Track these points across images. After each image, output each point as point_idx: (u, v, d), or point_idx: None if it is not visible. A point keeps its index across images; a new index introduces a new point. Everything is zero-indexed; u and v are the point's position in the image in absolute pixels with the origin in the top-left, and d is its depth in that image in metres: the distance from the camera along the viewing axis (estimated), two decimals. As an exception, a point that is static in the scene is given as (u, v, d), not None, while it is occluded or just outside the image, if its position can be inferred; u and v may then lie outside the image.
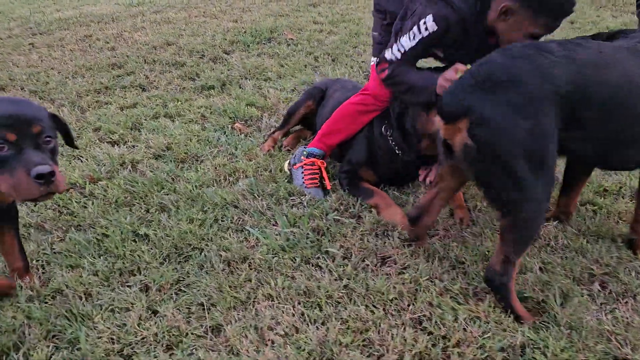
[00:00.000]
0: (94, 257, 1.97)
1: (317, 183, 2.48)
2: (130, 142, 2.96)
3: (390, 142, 2.41)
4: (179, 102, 3.52)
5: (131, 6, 6.95)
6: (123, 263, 1.93)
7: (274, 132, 2.97)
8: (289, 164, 2.60)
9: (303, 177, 2.49)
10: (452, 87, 1.58)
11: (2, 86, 3.85)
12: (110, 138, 3.01)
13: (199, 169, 2.63)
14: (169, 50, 4.66)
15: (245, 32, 5.25)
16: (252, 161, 2.69)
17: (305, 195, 2.37)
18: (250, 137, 3.03)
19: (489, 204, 1.61)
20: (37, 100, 3.59)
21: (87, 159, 2.75)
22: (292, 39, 5.06)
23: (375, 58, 2.47)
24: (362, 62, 4.34)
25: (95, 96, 3.65)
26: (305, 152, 2.56)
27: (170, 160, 2.74)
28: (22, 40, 5.21)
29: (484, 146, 1.47)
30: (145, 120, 3.23)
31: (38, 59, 4.50)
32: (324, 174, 2.53)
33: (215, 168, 2.65)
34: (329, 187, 2.48)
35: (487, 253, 1.96)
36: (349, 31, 5.28)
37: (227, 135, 3.02)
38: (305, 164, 2.51)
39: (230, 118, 3.26)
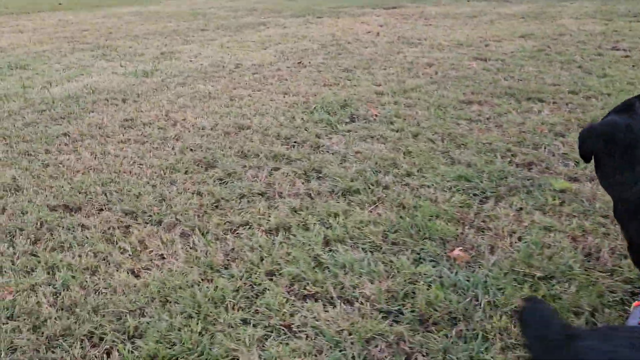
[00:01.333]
0: None
1: None
2: (328, 295, 2.14)
3: None
4: (338, 217, 2.72)
5: (142, 77, 6.03)
6: None
7: None
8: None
9: None
10: None
11: (77, 206, 2.86)
12: (306, 289, 2.16)
13: (476, 342, 1.87)
14: (251, 137, 3.84)
15: (315, 107, 4.55)
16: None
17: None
18: (478, 267, 2.30)
19: None
20: (142, 226, 2.65)
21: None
22: (376, 115, 4.42)
23: None
24: (487, 142, 3.74)
25: (222, 217, 2.75)
26: None
27: (416, 321, 1.95)
28: (47, 129, 4.17)
29: None
30: (321, 250, 2.41)
31: (92, 158, 3.53)
32: None
33: (497, 334, 1.89)
34: None
35: None
36: (428, 104, 4.70)
37: (457, 274, 2.26)
38: None
39: (428, 239, 2.51)
